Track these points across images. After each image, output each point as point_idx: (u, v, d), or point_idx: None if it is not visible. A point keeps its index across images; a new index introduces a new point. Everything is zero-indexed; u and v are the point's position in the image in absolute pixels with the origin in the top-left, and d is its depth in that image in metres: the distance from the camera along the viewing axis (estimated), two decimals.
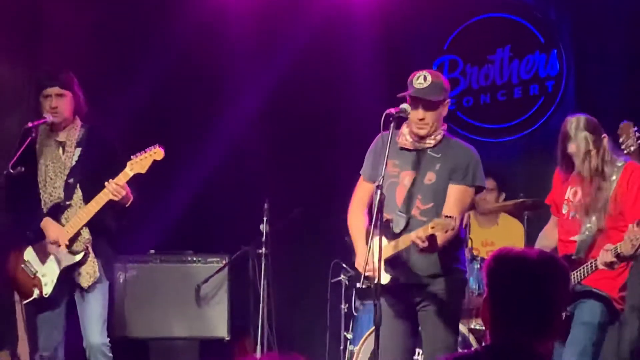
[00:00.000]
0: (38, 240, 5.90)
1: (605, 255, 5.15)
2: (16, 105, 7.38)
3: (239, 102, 8.32)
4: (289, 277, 8.33)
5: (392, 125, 5.05)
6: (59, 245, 5.81)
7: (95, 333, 5.87)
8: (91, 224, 5.83)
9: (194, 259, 7.72)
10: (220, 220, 8.38)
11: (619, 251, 5.09)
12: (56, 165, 5.91)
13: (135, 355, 7.50)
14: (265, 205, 7.34)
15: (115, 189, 5.70)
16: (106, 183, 5.72)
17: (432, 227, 4.72)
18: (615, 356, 6.93)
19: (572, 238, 5.47)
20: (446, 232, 4.74)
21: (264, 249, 7.34)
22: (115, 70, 7.94)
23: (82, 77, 6.09)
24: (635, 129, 5.70)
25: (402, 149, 5.25)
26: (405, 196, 5.19)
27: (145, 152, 5.77)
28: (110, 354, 5.93)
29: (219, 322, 7.63)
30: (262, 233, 7.35)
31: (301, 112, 8.47)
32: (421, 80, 5.16)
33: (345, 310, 7.59)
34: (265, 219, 7.34)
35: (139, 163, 5.74)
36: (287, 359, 1.69)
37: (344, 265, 7.58)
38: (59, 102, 5.87)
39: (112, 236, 6.06)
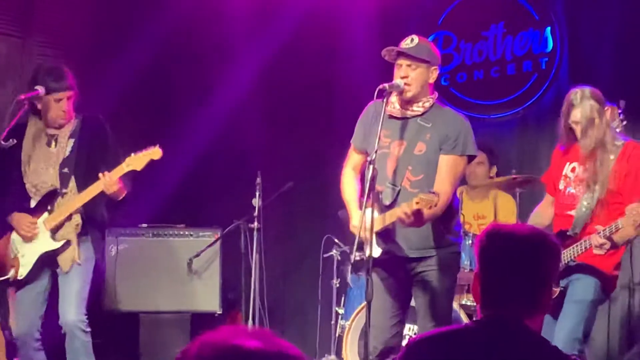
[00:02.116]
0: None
1: (595, 238, 5.17)
2: (7, 75, 7.35)
3: (232, 76, 8.30)
4: (280, 252, 8.34)
5: (384, 99, 5.03)
6: (29, 238, 5.85)
7: (70, 310, 5.83)
8: (85, 210, 5.86)
9: (186, 232, 7.72)
10: (212, 194, 8.39)
11: (620, 226, 5.10)
12: (46, 157, 5.91)
13: (126, 329, 7.52)
14: (258, 180, 7.33)
15: (109, 182, 5.72)
16: (101, 175, 5.74)
17: (417, 203, 4.68)
18: (605, 333, 6.97)
19: (569, 212, 5.48)
20: (430, 208, 4.71)
21: (256, 223, 7.34)
22: (108, 44, 7.91)
23: (76, 50, 6.06)
24: (619, 111, 5.70)
25: (391, 117, 5.19)
26: (395, 167, 5.15)
27: (145, 150, 5.79)
28: (88, 329, 5.90)
29: (211, 296, 7.64)
30: (255, 207, 7.35)
31: (294, 87, 8.46)
32: (408, 41, 5.13)
33: (337, 285, 7.61)
34: (257, 193, 7.33)
35: (137, 160, 5.76)
36: (254, 331, 1.68)
37: (336, 240, 7.60)
38: (69, 105, 5.90)
39: (103, 222, 6.08)
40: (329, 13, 8.29)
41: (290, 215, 8.44)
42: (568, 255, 5.33)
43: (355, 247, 4.85)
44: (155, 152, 5.79)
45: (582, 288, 5.39)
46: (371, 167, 4.85)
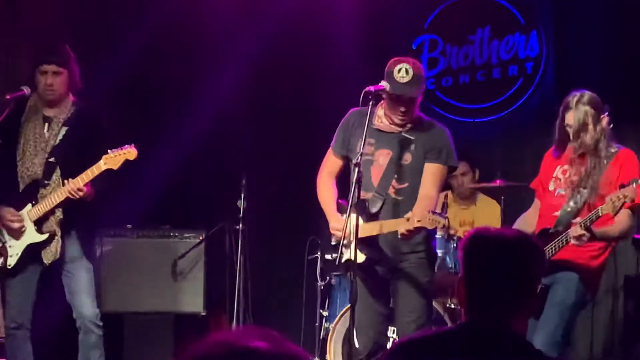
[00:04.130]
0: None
1: (574, 229, 5.18)
2: None
3: (218, 77, 8.29)
4: (265, 254, 8.34)
5: (370, 102, 5.08)
6: (13, 228, 5.82)
7: (85, 304, 5.91)
8: (68, 206, 5.80)
9: (171, 233, 7.71)
10: (197, 196, 8.38)
11: (600, 213, 5.10)
12: (38, 141, 5.86)
13: (111, 330, 7.48)
14: (243, 181, 7.34)
15: (72, 189, 5.67)
16: (66, 181, 5.70)
17: (419, 221, 4.80)
18: (589, 337, 6.99)
19: (556, 214, 5.49)
20: (436, 228, 4.87)
21: (240, 224, 7.34)
22: (91, 44, 7.87)
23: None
24: (606, 113, 5.72)
25: (378, 130, 5.31)
26: (381, 176, 5.25)
27: (120, 149, 5.71)
28: (101, 323, 5.98)
29: (195, 297, 7.63)
30: (239, 209, 7.35)
31: (279, 89, 8.47)
32: (403, 73, 5.10)
33: (321, 287, 7.61)
34: (242, 194, 7.34)
35: (113, 159, 5.68)
36: (263, 332, 1.72)
37: (320, 242, 7.59)
38: (54, 80, 5.83)
39: (89, 218, 6.03)
40: (315, 16, 8.29)
41: (275, 217, 8.44)
42: (548, 252, 5.34)
43: (340, 247, 4.92)
44: (130, 153, 5.71)
45: (564, 290, 5.38)
46: (356, 169, 4.90)
